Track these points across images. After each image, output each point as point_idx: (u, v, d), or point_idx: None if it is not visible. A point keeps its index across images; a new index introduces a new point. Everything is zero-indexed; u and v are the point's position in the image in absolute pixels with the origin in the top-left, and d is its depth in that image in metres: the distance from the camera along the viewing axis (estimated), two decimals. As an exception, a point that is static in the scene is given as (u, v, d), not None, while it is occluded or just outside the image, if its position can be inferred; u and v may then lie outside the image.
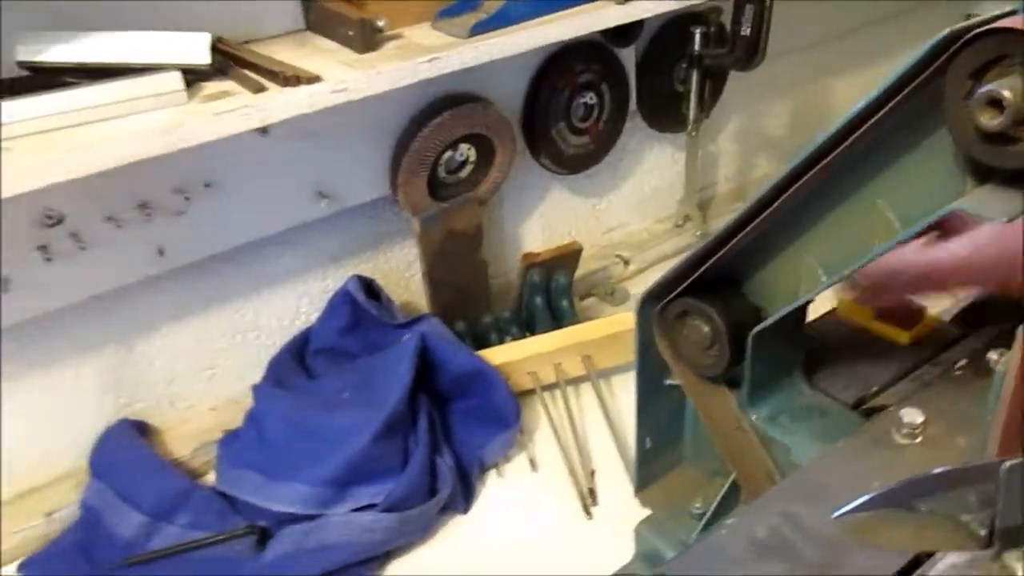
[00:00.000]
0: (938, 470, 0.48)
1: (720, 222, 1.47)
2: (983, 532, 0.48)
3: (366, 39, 0.87)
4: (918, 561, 0.52)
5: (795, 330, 0.72)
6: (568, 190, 1.31)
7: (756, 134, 1.55)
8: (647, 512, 0.86)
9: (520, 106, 1.15)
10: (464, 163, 1.10)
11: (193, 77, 0.80)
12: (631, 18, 1.03)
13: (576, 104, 1.18)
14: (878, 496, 0.50)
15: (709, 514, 0.80)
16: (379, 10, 0.89)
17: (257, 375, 1.09)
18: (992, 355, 0.54)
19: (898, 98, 0.55)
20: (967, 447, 0.59)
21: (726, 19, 1.16)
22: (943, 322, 0.82)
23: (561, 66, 1.14)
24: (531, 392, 1.09)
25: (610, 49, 1.18)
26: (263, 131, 0.87)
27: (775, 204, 0.65)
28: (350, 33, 0.87)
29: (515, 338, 1.13)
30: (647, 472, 0.86)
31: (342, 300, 1.07)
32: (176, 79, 0.77)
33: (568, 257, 1.21)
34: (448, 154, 1.07)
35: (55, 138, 0.73)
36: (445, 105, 1.03)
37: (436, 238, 1.10)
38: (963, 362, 0.70)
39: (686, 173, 1.42)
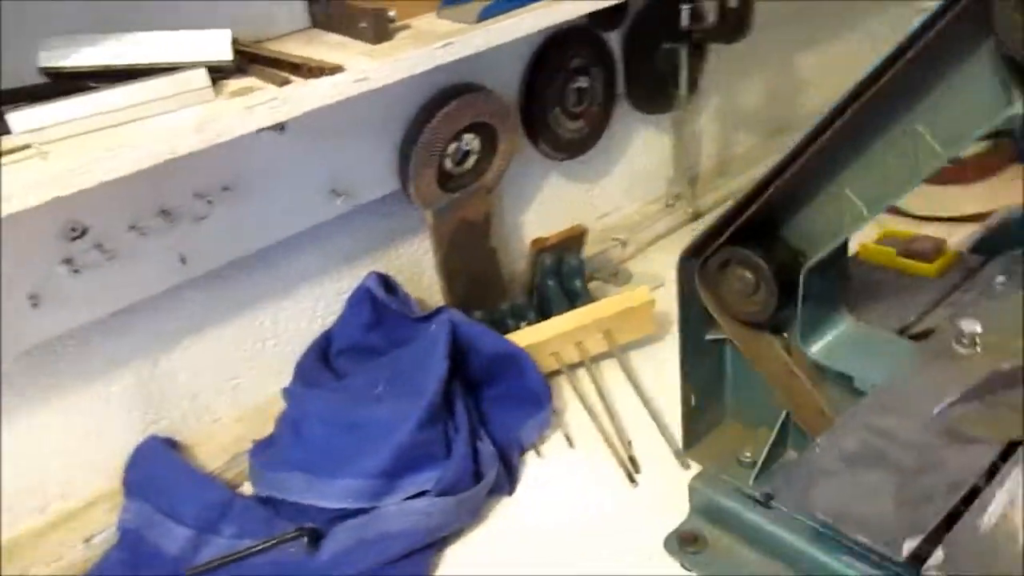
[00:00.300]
0: (1008, 365, 0.51)
1: (709, 198, 1.51)
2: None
3: (379, 30, 0.88)
4: (1006, 454, 0.54)
5: (840, 267, 0.74)
6: (564, 176, 1.32)
7: (734, 112, 1.59)
8: (689, 474, 0.87)
9: (518, 94, 1.17)
10: (469, 153, 1.11)
11: (217, 75, 0.80)
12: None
13: (570, 89, 1.20)
14: (964, 394, 0.52)
15: (761, 461, 0.82)
16: (386, 4, 0.90)
17: (278, 382, 1.08)
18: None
19: (940, 24, 0.57)
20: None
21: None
22: (964, 252, 0.86)
23: (554, 53, 1.16)
24: (557, 372, 1.10)
25: (597, 34, 1.21)
26: (280, 128, 0.87)
27: (815, 145, 0.68)
28: (362, 25, 0.88)
29: (532, 323, 1.14)
30: (694, 430, 0.88)
31: (362, 297, 1.07)
32: (203, 76, 0.77)
33: (575, 240, 1.22)
34: (454, 145, 1.08)
35: (86, 142, 0.72)
36: (451, 95, 1.04)
37: (448, 229, 1.11)
38: (1001, 279, 0.73)
39: (674, 153, 1.45)
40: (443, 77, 1.03)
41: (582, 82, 1.21)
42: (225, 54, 0.79)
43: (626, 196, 1.45)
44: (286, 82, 0.80)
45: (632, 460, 0.98)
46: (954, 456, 0.54)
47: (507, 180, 1.21)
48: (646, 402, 1.05)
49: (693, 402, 0.86)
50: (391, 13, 0.88)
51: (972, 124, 0.59)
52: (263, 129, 0.79)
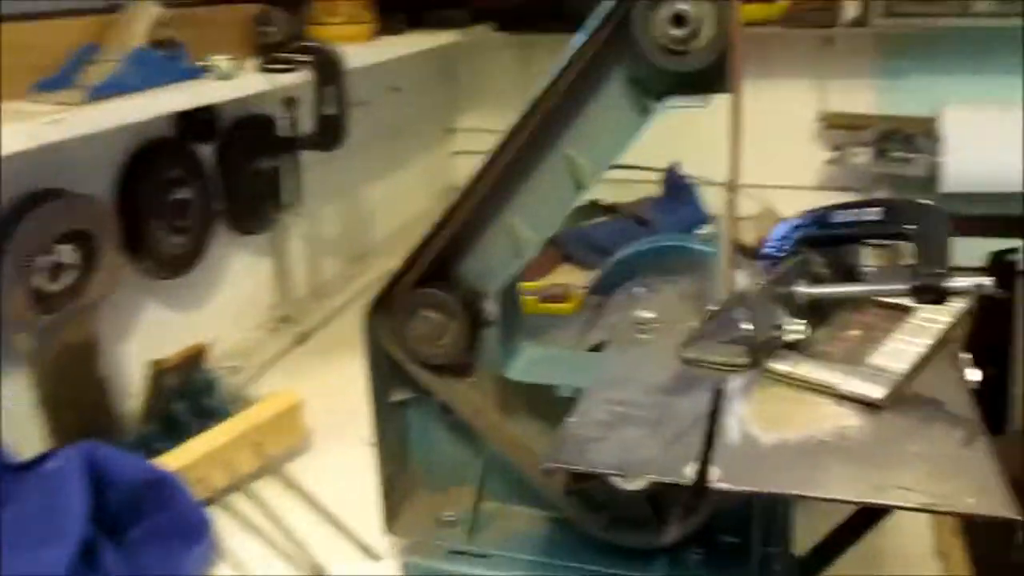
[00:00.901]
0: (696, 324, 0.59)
1: (314, 318, 1.50)
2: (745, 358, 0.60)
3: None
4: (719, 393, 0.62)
5: (515, 297, 0.79)
6: (172, 297, 1.22)
7: (319, 238, 1.62)
8: (383, 566, 0.84)
9: (115, 202, 1.06)
10: (65, 267, 0.96)
11: None
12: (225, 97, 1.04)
13: (169, 202, 1.13)
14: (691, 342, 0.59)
15: (471, 510, 0.82)
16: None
17: None
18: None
19: (577, 62, 0.67)
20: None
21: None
22: (586, 295, 0.98)
23: (148, 162, 1.08)
24: (209, 501, 0.97)
25: (188, 146, 1.16)
26: None
27: (480, 186, 0.73)
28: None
29: (164, 453, 1.00)
30: (393, 503, 0.84)
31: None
32: None
33: (197, 358, 1.12)
34: (48, 257, 0.93)
35: None
36: (41, 199, 0.90)
37: (50, 357, 0.94)
38: (641, 290, 0.84)
39: (275, 274, 1.42)
40: (31, 179, 0.89)
41: (183, 194, 1.14)
42: None
43: (233, 321, 1.38)
44: None
45: (318, 569, 0.89)
46: (681, 404, 0.61)
47: (113, 300, 1.08)
48: (317, 509, 0.98)
49: (388, 473, 0.82)
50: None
51: (615, 141, 0.70)
52: None
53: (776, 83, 1.86)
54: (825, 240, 0.70)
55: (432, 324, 0.76)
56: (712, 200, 1.72)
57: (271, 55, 1.13)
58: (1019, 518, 0.47)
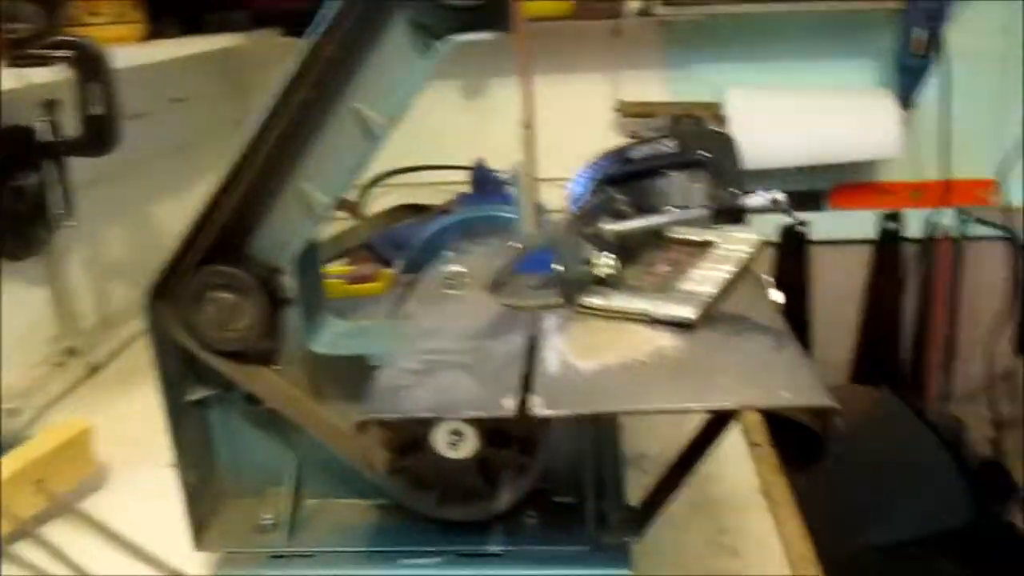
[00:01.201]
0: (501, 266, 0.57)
1: (103, 350, 1.37)
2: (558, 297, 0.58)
3: None
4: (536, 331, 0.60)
5: (316, 269, 0.73)
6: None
7: (104, 263, 1.48)
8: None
9: None
10: None
11: None
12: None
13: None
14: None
15: (290, 515, 0.75)
16: None
17: None
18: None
19: (356, 8, 0.64)
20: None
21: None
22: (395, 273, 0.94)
23: None
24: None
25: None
26: None
27: (260, 153, 0.67)
28: None
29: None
30: (200, 517, 0.76)
31: None
32: None
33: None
34: None
35: None
36: None
37: None
38: (452, 254, 0.81)
39: (54, 305, 1.28)
40: None
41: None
42: None
43: (7, 359, 1.22)
44: None
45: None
46: (497, 346, 0.58)
47: None
48: (118, 544, 0.87)
49: (193, 480, 0.74)
50: None
51: (403, 88, 0.66)
52: None
53: (571, 77, 1.90)
54: (625, 176, 0.69)
55: (225, 305, 0.69)
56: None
57: (20, 51, 1.01)
58: (834, 405, 0.47)
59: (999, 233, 1.91)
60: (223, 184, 0.67)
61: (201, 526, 0.75)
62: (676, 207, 0.67)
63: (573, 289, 0.60)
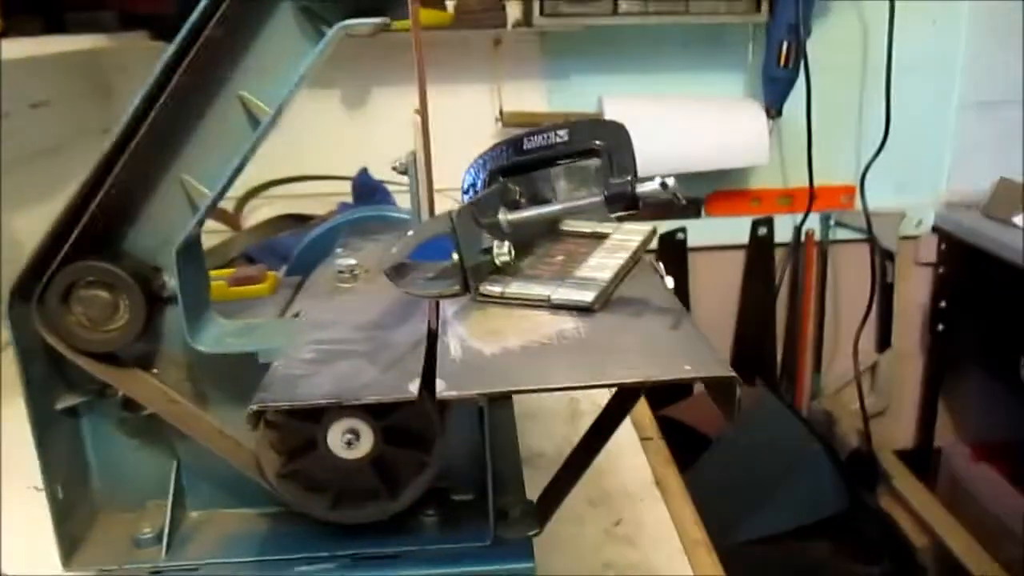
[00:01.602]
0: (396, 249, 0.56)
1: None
2: (456, 285, 0.58)
3: None
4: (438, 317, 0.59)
5: (199, 266, 0.70)
6: None
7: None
8: None
9: None
10: None
11: None
12: None
13: None
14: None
15: (167, 528, 0.70)
16: None
17: None
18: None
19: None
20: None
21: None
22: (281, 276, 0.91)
23: None
24: None
25: None
26: None
27: (132, 144, 0.64)
28: None
29: None
30: (69, 533, 0.70)
31: None
32: None
33: None
34: None
35: None
36: None
37: None
38: (339, 250, 0.79)
39: None
40: None
41: None
42: None
43: None
44: None
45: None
46: (395, 335, 0.56)
47: None
48: (-27, 568, 0.80)
49: (61, 494, 0.69)
50: None
51: (291, 76, 0.64)
52: None
53: (453, 88, 1.91)
54: (519, 167, 0.69)
55: (97, 304, 0.64)
56: (403, 201, 1.71)
57: None
58: (733, 375, 0.48)
59: (860, 236, 2.02)
60: (95, 173, 0.63)
61: (72, 545, 0.70)
62: (569, 198, 0.67)
63: (471, 277, 0.59)
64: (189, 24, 0.61)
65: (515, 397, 0.94)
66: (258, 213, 1.80)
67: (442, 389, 0.46)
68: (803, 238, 2.05)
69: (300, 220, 1.74)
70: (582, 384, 0.48)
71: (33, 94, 1.55)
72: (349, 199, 1.76)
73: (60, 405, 0.69)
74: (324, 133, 1.86)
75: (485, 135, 1.93)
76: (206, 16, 0.61)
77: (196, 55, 0.61)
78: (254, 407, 0.46)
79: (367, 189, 1.73)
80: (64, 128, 1.69)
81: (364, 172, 1.73)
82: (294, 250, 1.40)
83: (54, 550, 0.74)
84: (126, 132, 0.63)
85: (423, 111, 0.62)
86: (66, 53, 1.43)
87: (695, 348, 0.51)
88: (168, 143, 0.65)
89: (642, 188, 0.62)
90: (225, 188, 0.66)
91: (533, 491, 0.75)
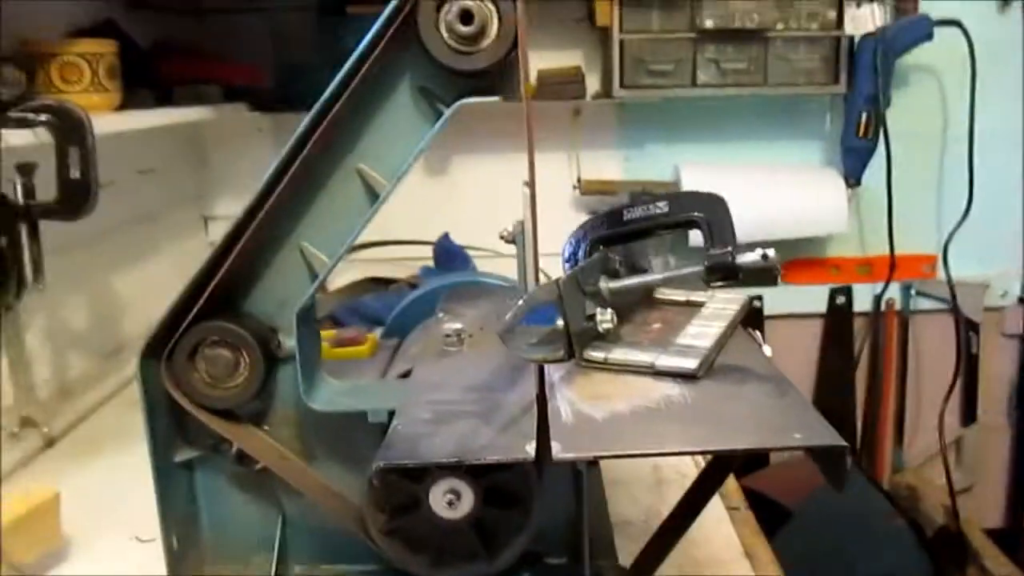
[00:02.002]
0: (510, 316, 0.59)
1: (60, 422, 1.33)
2: (561, 351, 0.60)
3: None
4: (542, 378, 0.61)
5: (313, 329, 0.73)
6: None
7: (63, 332, 1.44)
8: None
9: None
10: None
11: None
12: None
13: None
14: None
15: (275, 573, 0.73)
16: None
17: None
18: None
19: (362, 70, 0.66)
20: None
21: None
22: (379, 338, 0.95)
23: None
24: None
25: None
26: None
27: (261, 212, 0.68)
28: None
29: None
30: (181, 580, 0.73)
31: None
32: None
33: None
34: None
35: None
36: None
37: None
38: (441, 315, 0.82)
39: (11, 373, 1.24)
40: None
41: None
42: None
43: (-42, 431, 1.18)
44: None
45: None
46: (506, 397, 0.58)
47: None
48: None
49: (175, 545, 0.72)
50: None
51: (407, 150, 0.68)
52: None
53: (536, 156, 1.95)
54: (619, 237, 0.72)
55: (222, 363, 0.68)
56: (482, 265, 1.75)
57: (1, 114, 1.01)
58: (845, 444, 0.48)
59: (942, 306, 1.99)
60: (226, 240, 0.68)
61: (182, 592, 0.73)
62: (667, 270, 0.69)
63: (576, 343, 0.61)
64: (319, 103, 0.65)
65: (602, 464, 0.95)
66: (342, 277, 1.85)
67: (558, 451, 0.48)
68: (883, 307, 2.02)
69: (383, 283, 1.79)
70: (695, 449, 0.49)
71: (139, 162, 1.64)
72: (430, 263, 1.81)
73: (179, 458, 0.73)
74: (406, 199, 1.91)
75: (563, 203, 1.97)
76: (335, 96, 0.65)
77: (322, 130, 0.66)
78: (381, 464, 0.48)
79: (449, 254, 1.77)
80: (163, 195, 1.78)
81: (446, 237, 1.78)
82: (383, 312, 1.46)
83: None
84: (257, 201, 0.67)
85: (531, 184, 0.65)
86: (172, 124, 1.52)
87: (803, 415, 0.52)
88: (292, 213, 0.69)
89: (742, 259, 0.64)
90: (341, 256, 0.70)
91: (623, 558, 0.75)
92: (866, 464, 2.08)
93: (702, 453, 0.49)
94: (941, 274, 1.91)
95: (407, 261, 1.89)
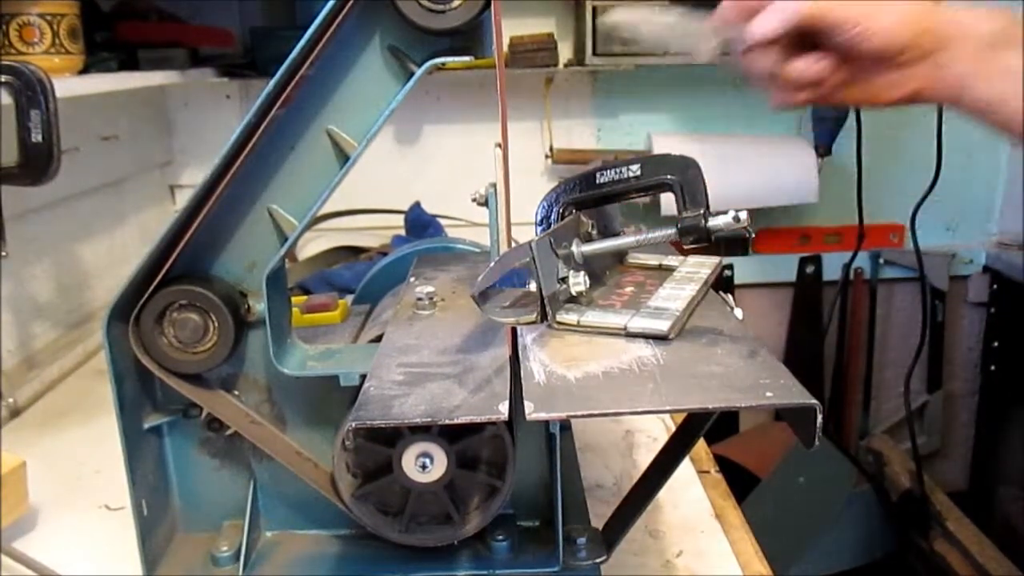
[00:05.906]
0: (483, 278, 0.58)
1: (26, 391, 1.31)
2: (534, 313, 0.59)
3: None
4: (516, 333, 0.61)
5: (284, 293, 0.72)
6: None
7: (26, 300, 1.42)
8: None
9: None
10: None
11: None
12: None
13: None
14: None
15: (244, 544, 0.72)
16: None
17: None
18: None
19: (329, 32, 0.64)
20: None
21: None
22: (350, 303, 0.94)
23: None
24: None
25: None
26: None
27: (228, 175, 0.67)
28: None
29: None
30: (153, 546, 0.72)
31: None
32: None
33: None
34: None
35: None
36: None
37: None
38: (412, 279, 0.81)
39: (-26, 341, 1.22)
40: None
41: None
42: None
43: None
44: None
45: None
46: (479, 359, 0.58)
47: None
48: (54, 582, 0.82)
49: (146, 511, 0.71)
50: None
51: (375, 112, 0.67)
52: None
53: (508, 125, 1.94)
54: (592, 200, 0.71)
55: (190, 327, 0.67)
56: (454, 234, 1.74)
57: (-43, 76, 0.98)
58: (815, 402, 0.49)
59: (910, 275, 2.01)
60: (193, 201, 0.66)
61: (154, 560, 0.72)
62: (639, 233, 0.69)
63: (549, 306, 0.61)
64: (287, 63, 0.64)
65: (574, 428, 0.96)
66: (312, 245, 1.84)
67: (531, 411, 0.48)
68: (852, 276, 2.04)
69: (353, 252, 1.77)
70: (668, 408, 0.49)
71: (103, 128, 1.61)
72: (401, 232, 1.79)
73: (148, 424, 0.72)
74: (377, 168, 1.90)
75: (535, 172, 1.96)
76: (303, 56, 0.64)
77: (291, 90, 0.65)
78: (353, 424, 0.48)
79: (420, 223, 1.76)
80: (128, 163, 1.75)
81: (417, 206, 1.76)
82: (353, 282, 1.44)
83: (124, 567, 0.77)
84: (224, 163, 0.66)
85: (504, 146, 0.65)
86: (136, 89, 1.49)
87: (775, 375, 0.52)
88: (260, 175, 0.68)
89: (715, 221, 0.64)
90: (311, 218, 0.69)
91: (595, 521, 0.76)
92: (833, 430, 2.11)
93: (675, 411, 0.50)
94: (909, 243, 1.93)
95: (378, 230, 1.88)
